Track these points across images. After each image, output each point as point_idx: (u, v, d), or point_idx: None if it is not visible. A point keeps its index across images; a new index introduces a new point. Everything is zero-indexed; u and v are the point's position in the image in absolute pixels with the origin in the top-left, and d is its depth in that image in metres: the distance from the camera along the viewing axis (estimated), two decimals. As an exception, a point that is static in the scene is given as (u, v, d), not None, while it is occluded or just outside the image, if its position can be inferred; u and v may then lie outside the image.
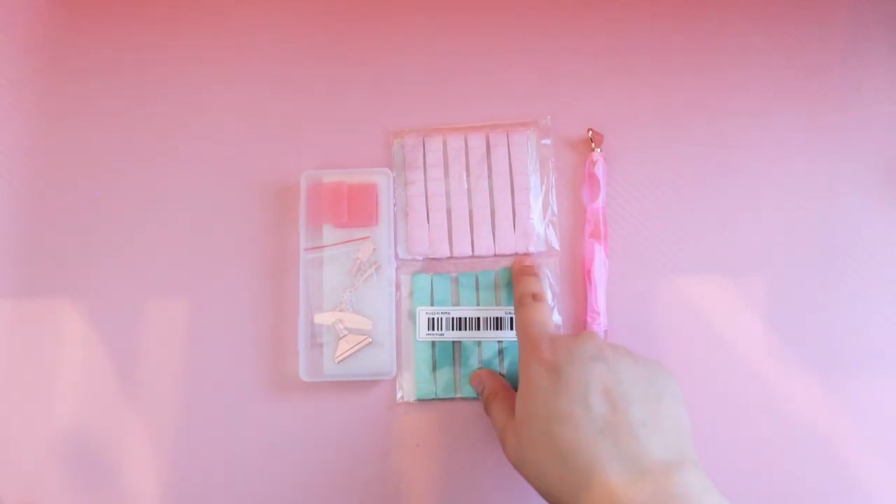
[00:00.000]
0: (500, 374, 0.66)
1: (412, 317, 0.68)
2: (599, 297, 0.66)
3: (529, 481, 0.54)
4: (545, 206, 0.70)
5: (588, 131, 0.69)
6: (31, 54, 0.74)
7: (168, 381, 0.68)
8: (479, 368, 0.66)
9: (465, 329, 0.67)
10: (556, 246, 0.69)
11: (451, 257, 0.69)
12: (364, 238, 0.68)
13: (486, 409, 0.62)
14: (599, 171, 0.68)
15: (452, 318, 0.67)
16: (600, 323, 0.66)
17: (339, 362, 0.66)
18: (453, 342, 0.68)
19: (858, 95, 0.71)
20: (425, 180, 0.70)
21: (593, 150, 0.69)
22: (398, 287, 0.69)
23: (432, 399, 0.67)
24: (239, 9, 0.75)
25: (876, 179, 0.69)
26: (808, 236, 0.69)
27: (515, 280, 0.65)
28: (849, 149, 0.70)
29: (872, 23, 0.72)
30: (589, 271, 0.67)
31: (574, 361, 0.53)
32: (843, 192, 0.69)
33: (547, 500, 0.52)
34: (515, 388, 0.59)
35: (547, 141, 0.71)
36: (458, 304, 0.68)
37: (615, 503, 0.46)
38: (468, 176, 0.70)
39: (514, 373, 0.66)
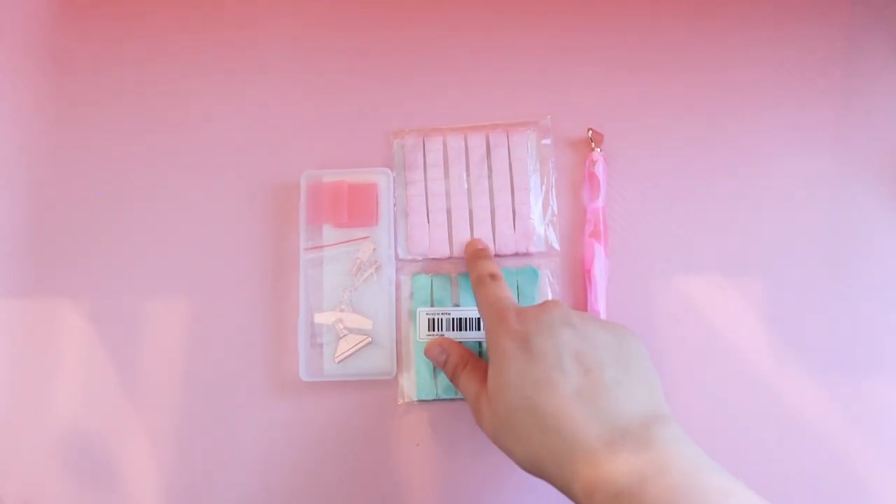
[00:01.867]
0: None
1: (412, 317, 0.68)
2: (599, 296, 0.67)
3: (508, 451, 0.54)
4: (545, 206, 0.70)
5: (588, 131, 0.70)
6: (31, 55, 0.75)
7: (168, 381, 0.68)
8: (434, 338, 0.65)
9: (466, 329, 0.67)
10: (556, 246, 0.69)
11: (450, 257, 0.69)
12: (364, 238, 0.68)
13: (453, 379, 0.62)
14: (599, 170, 0.69)
15: (452, 319, 0.68)
16: None
17: (339, 362, 0.67)
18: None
19: (860, 95, 0.71)
20: (425, 180, 0.70)
21: (593, 149, 0.70)
22: (398, 288, 0.69)
23: (433, 400, 0.67)
24: (239, 10, 0.75)
25: (876, 179, 0.70)
26: (808, 236, 0.69)
27: (470, 263, 0.66)
28: (850, 148, 0.70)
29: (873, 21, 0.73)
30: (589, 271, 0.67)
31: (543, 329, 0.54)
32: (844, 191, 0.70)
33: (526, 468, 0.53)
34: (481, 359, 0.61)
35: (547, 141, 0.71)
36: (458, 305, 0.68)
37: (598, 462, 0.47)
38: (468, 176, 0.70)
39: None
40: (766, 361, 0.67)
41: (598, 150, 0.70)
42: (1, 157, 0.73)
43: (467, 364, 0.61)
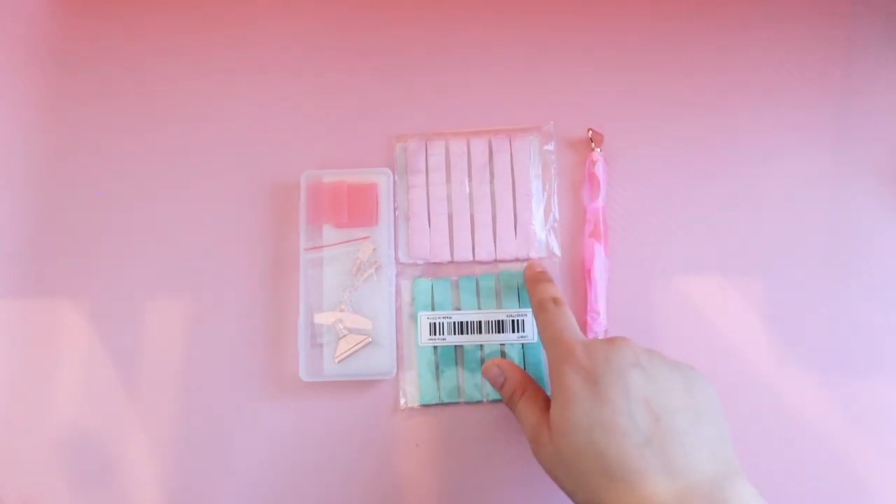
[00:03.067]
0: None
1: (413, 321, 0.69)
2: (599, 296, 0.67)
3: (565, 490, 0.53)
4: (547, 211, 0.70)
5: (588, 131, 0.70)
6: (31, 55, 0.75)
7: (168, 381, 0.68)
8: (492, 359, 0.63)
9: (467, 333, 0.68)
10: (557, 251, 0.70)
11: (451, 262, 0.70)
12: (364, 238, 0.69)
13: (510, 403, 0.60)
14: (599, 170, 0.69)
15: (454, 323, 0.68)
16: (600, 323, 0.67)
17: (339, 362, 0.67)
18: (455, 346, 0.68)
19: (860, 95, 0.72)
20: (427, 184, 0.71)
21: (593, 149, 0.70)
22: (399, 292, 0.69)
23: (436, 404, 0.68)
24: (240, 9, 0.76)
25: (876, 179, 0.70)
26: (808, 236, 0.69)
27: (531, 287, 0.64)
28: (850, 148, 0.71)
29: (873, 21, 0.73)
30: (589, 271, 0.67)
31: (612, 370, 0.52)
32: (844, 191, 0.70)
33: None
34: (538, 384, 0.60)
35: (549, 146, 0.71)
36: (459, 309, 0.69)
37: None
38: (470, 181, 0.71)
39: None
40: (766, 361, 0.67)
41: (598, 149, 0.70)
42: (1, 156, 0.73)
43: (526, 390, 0.59)
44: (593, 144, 0.70)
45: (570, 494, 0.52)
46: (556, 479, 0.54)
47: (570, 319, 0.59)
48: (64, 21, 0.76)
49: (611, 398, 0.51)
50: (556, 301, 0.61)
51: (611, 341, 0.55)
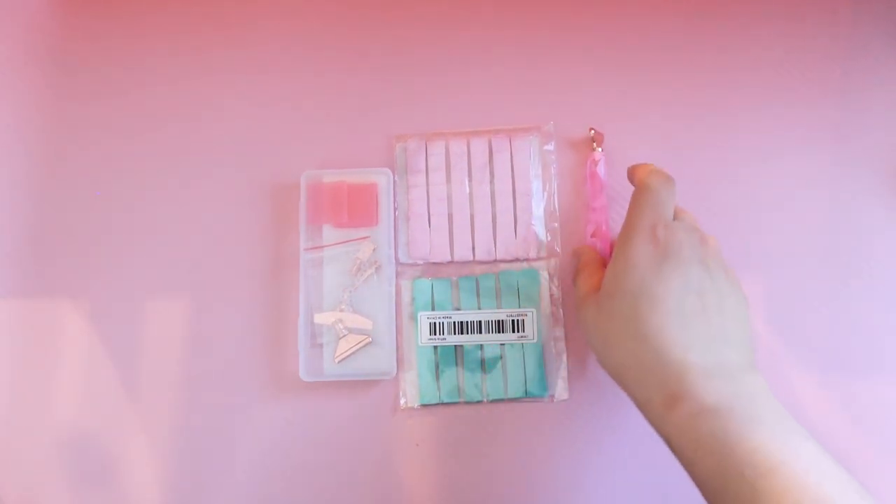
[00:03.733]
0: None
1: (413, 321, 0.69)
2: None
3: (596, 352, 0.59)
4: (547, 211, 0.71)
5: (590, 130, 0.70)
6: (31, 55, 0.76)
7: (168, 381, 0.69)
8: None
9: (467, 333, 0.68)
10: (558, 251, 0.70)
11: (451, 262, 0.70)
12: (364, 238, 0.69)
13: (574, 277, 0.65)
14: (601, 170, 0.69)
15: (454, 322, 0.68)
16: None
17: (339, 362, 0.67)
18: (455, 346, 0.68)
19: (860, 94, 0.72)
20: (427, 184, 0.71)
21: (595, 149, 0.70)
22: (399, 292, 0.70)
23: (436, 404, 0.68)
24: (240, 10, 0.76)
25: (876, 179, 0.70)
26: (808, 236, 0.69)
27: (643, 167, 0.62)
28: (850, 148, 0.71)
29: (873, 20, 0.73)
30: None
31: (682, 258, 0.55)
32: (844, 191, 0.70)
33: (609, 371, 0.58)
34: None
35: (549, 146, 0.72)
36: (459, 309, 0.69)
37: (688, 380, 0.52)
38: (470, 181, 0.71)
39: (517, 374, 0.67)
40: (765, 361, 0.66)
41: (600, 149, 0.70)
42: (1, 156, 0.74)
43: (590, 266, 0.64)
44: (595, 144, 0.70)
45: (599, 358, 0.59)
46: (590, 340, 0.60)
47: (672, 199, 0.60)
48: (64, 21, 0.76)
49: (669, 279, 0.55)
50: (669, 179, 0.60)
51: (690, 229, 0.58)
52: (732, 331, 0.55)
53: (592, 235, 0.69)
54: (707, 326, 0.54)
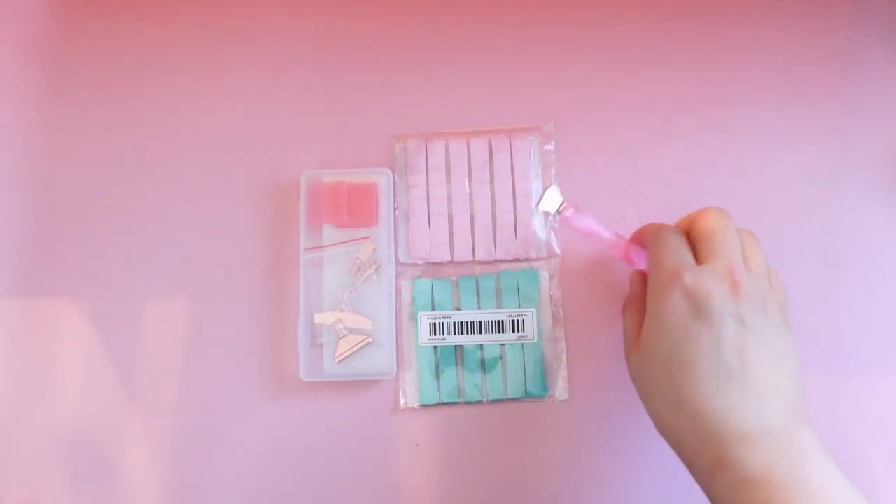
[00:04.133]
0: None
1: (413, 321, 0.69)
2: None
3: (640, 396, 0.57)
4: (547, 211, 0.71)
5: (558, 207, 0.66)
6: (31, 55, 0.76)
7: (168, 381, 0.69)
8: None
9: (467, 333, 0.68)
10: (558, 251, 0.70)
11: (451, 262, 0.70)
12: (364, 238, 0.69)
13: (623, 311, 0.63)
14: (582, 222, 0.65)
15: (454, 323, 0.68)
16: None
17: (339, 362, 0.67)
18: (455, 346, 0.68)
19: (859, 92, 0.72)
20: (427, 184, 0.71)
21: (559, 212, 0.65)
22: (399, 292, 0.70)
23: (436, 404, 0.68)
24: (240, 10, 0.76)
25: (877, 177, 0.70)
26: (807, 235, 0.69)
27: (648, 227, 0.62)
28: (849, 147, 0.71)
29: (873, 18, 0.73)
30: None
31: (712, 312, 0.52)
32: (844, 190, 0.70)
33: (655, 427, 0.56)
34: None
35: (549, 146, 0.72)
36: (459, 309, 0.69)
37: (731, 447, 0.50)
38: (470, 181, 0.71)
39: (517, 374, 0.68)
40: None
41: (563, 206, 0.65)
42: (1, 156, 0.74)
43: (636, 302, 0.61)
44: (559, 208, 0.65)
45: (643, 403, 0.57)
46: (636, 387, 0.58)
47: (685, 246, 0.57)
48: (64, 21, 0.76)
49: (700, 341, 0.52)
50: (676, 229, 0.59)
51: (718, 277, 0.54)
52: (776, 382, 0.52)
53: (624, 260, 0.66)
54: (746, 385, 0.51)
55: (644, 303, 0.58)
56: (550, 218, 0.70)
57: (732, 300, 0.53)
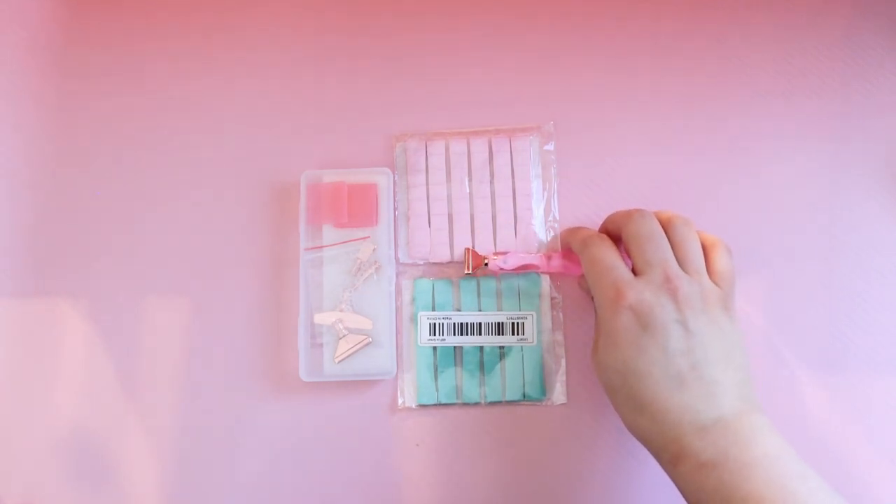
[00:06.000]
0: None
1: (413, 321, 0.69)
2: None
3: (612, 405, 0.60)
4: (547, 211, 0.71)
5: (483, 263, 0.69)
6: (31, 55, 0.76)
7: (168, 381, 0.69)
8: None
9: (467, 334, 0.68)
10: (558, 250, 0.70)
11: (451, 262, 0.70)
12: (364, 238, 0.69)
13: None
14: (511, 261, 0.68)
15: (454, 324, 0.68)
16: None
17: (339, 362, 0.67)
18: (455, 347, 0.69)
19: (859, 91, 0.72)
20: (427, 184, 0.71)
21: (486, 265, 0.68)
22: (399, 292, 0.70)
23: (434, 404, 0.68)
24: (240, 10, 0.76)
25: (877, 177, 0.70)
26: (808, 235, 0.70)
27: (568, 234, 0.67)
28: (850, 147, 0.71)
29: (873, 19, 0.73)
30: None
31: (656, 323, 0.56)
32: (844, 190, 0.70)
33: (625, 426, 0.59)
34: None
35: (549, 146, 0.72)
36: (460, 310, 0.69)
37: (687, 441, 0.54)
38: (470, 181, 0.71)
39: (515, 377, 0.68)
40: (765, 360, 0.67)
41: (486, 259, 0.68)
42: (1, 157, 0.74)
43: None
44: (471, 269, 0.68)
45: (612, 406, 0.60)
46: (604, 391, 0.61)
47: (616, 256, 0.61)
48: (65, 23, 0.76)
49: (649, 352, 0.56)
50: (600, 237, 0.63)
51: (657, 288, 0.58)
52: (725, 376, 0.56)
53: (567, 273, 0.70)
54: (696, 385, 0.55)
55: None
56: (480, 272, 0.70)
57: (673, 307, 0.57)
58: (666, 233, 0.61)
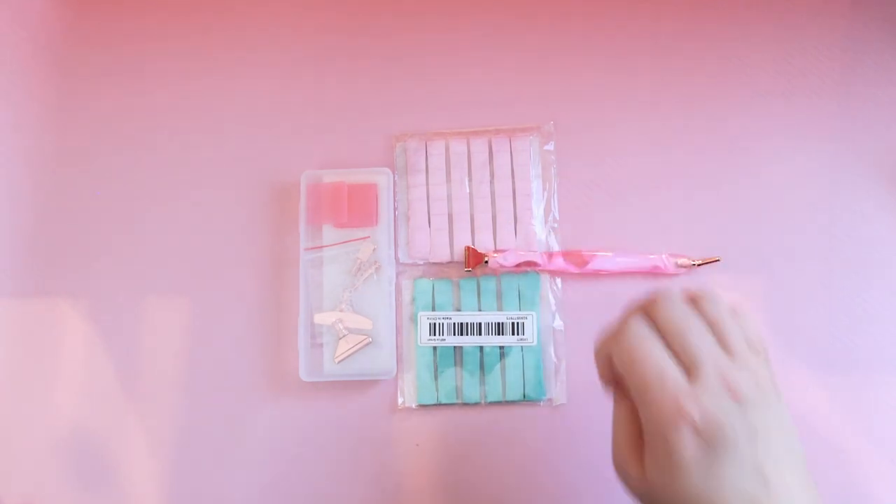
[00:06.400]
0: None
1: (413, 321, 0.69)
2: None
3: None
4: (547, 211, 0.71)
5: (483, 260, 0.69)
6: (32, 55, 0.76)
7: (168, 381, 0.69)
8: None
9: (467, 334, 0.68)
10: (558, 250, 0.70)
11: (451, 262, 0.70)
12: (364, 238, 0.69)
13: (601, 379, 0.53)
14: (511, 258, 0.68)
15: (454, 324, 0.68)
16: None
17: (339, 362, 0.67)
18: (455, 347, 0.69)
19: (859, 92, 0.72)
20: (427, 184, 0.71)
21: (486, 263, 0.69)
22: (399, 292, 0.70)
23: (434, 404, 0.68)
24: (241, 11, 0.76)
25: (877, 177, 0.70)
26: (808, 235, 0.70)
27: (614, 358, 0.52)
28: (850, 147, 0.71)
29: (873, 19, 0.73)
30: None
31: (727, 440, 0.46)
32: (844, 190, 0.70)
33: None
34: None
35: (549, 146, 0.72)
36: (459, 310, 0.69)
37: None
38: (470, 181, 0.71)
39: (515, 377, 0.68)
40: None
41: (486, 257, 0.69)
42: (1, 157, 0.74)
43: (624, 407, 0.52)
44: (486, 261, 0.69)
45: None
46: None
47: (661, 348, 0.49)
48: (65, 23, 0.76)
49: (724, 480, 0.47)
50: (644, 331, 0.50)
51: (716, 394, 0.47)
52: (794, 484, 0.48)
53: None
54: (772, 498, 0.47)
55: (623, 390, 0.51)
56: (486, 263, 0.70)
57: (738, 413, 0.47)
58: (695, 310, 0.51)
